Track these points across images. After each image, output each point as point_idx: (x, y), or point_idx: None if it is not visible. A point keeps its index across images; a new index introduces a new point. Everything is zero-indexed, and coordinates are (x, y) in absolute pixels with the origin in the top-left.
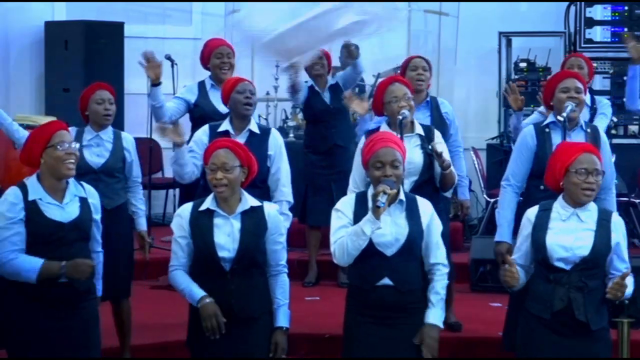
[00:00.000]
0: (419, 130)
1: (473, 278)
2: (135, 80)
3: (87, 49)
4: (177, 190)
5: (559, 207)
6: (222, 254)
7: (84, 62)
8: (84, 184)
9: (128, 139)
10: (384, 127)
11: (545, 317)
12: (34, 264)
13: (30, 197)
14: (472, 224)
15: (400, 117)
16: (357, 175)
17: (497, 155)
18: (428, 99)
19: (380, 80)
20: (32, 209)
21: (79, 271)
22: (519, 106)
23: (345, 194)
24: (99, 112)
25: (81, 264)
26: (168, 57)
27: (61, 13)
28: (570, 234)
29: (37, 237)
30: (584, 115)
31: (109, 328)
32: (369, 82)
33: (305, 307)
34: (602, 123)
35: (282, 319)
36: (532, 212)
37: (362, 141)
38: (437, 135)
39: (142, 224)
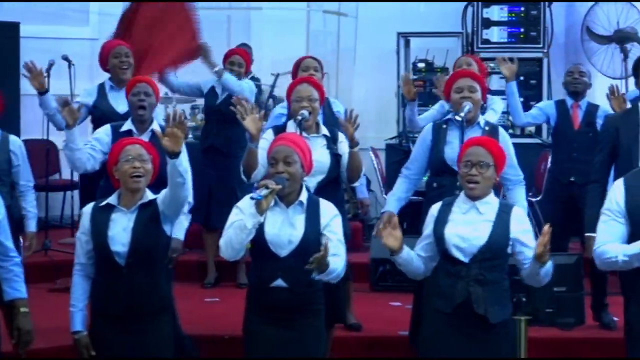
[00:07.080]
0: (324, 131)
1: (373, 278)
2: None
3: None
4: (76, 192)
5: (460, 201)
6: (115, 248)
7: None
8: None
9: (16, 142)
10: (290, 125)
11: (447, 311)
12: None
13: None
14: (371, 223)
15: (300, 118)
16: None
17: (396, 155)
18: None
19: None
20: None
21: None
22: (412, 97)
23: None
24: None
25: None
26: (65, 58)
27: None
28: (468, 225)
29: None
30: None
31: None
32: (267, 82)
33: (205, 309)
34: (490, 118)
35: None
36: (435, 207)
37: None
38: (342, 135)
39: (31, 226)
